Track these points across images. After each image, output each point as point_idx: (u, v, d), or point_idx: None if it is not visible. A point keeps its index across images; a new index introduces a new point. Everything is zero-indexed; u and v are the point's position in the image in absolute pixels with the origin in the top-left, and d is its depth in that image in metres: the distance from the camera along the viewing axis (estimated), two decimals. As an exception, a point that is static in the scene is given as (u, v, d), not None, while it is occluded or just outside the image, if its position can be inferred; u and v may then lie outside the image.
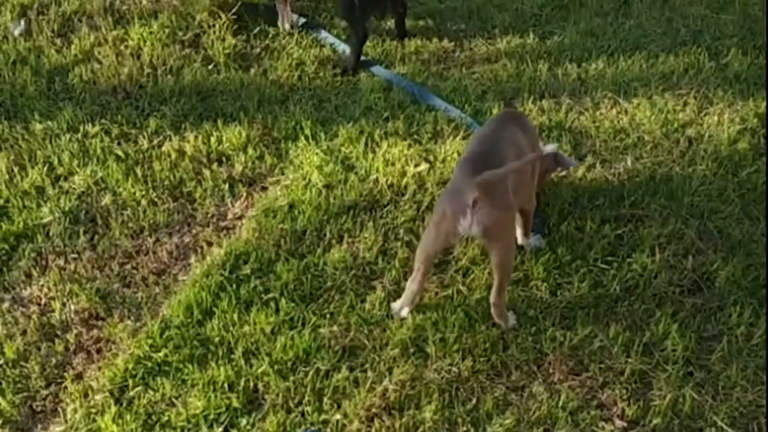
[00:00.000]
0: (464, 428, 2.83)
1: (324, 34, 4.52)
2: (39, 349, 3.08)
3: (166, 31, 4.46)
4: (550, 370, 3.01)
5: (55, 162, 3.77)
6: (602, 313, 3.18)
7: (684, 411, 2.88)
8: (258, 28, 4.52)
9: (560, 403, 2.89)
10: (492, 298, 3.07)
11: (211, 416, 2.84)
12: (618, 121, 4.00)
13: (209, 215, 3.61)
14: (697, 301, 3.23)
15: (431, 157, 3.77)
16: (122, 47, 4.40)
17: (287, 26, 4.54)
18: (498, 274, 3.02)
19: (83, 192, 3.66)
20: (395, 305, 3.16)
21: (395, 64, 4.34)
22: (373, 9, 4.35)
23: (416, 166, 3.72)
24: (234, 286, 3.24)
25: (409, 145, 3.85)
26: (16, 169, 3.72)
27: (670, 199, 3.60)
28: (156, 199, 3.64)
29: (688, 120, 4.00)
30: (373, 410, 2.85)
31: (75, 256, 3.41)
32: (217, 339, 3.08)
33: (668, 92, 4.16)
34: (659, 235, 3.44)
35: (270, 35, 4.51)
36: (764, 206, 3.57)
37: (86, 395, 2.94)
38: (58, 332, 3.15)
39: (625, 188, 3.64)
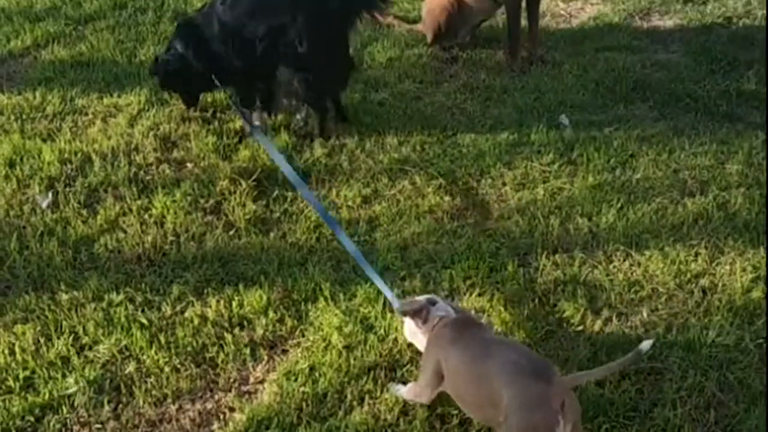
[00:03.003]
0: None
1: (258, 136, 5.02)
2: None
3: (189, 198, 4.62)
4: None
5: (80, 331, 3.85)
6: (627, 470, 3.16)
7: None
8: (276, 193, 4.68)
9: None
10: None
11: None
12: (631, 274, 4.07)
13: (231, 380, 3.65)
14: (723, 455, 3.22)
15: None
16: (146, 216, 4.55)
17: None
18: None
19: (108, 361, 3.71)
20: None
21: (410, 223, 4.45)
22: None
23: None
24: (257, 453, 3.25)
25: (427, 304, 3.92)
26: (42, 340, 3.80)
27: (688, 351, 3.62)
28: (179, 366, 3.69)
29: (700, 270, 4.07)
30: None
31: (99, 426, 3.44)
32: None
33: (679, 243, 4.24)
34: (679, 389, 3.44)
35: (288, 199, 4.66)
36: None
37: None
38: (82, 505, 3.15)
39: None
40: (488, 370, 3.04)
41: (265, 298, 3.98)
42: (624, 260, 4.15)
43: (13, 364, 3.69)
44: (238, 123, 5.28)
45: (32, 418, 3.46)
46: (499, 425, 2.96)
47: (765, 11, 6.44)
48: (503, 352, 3.10)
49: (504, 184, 4.75)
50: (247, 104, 5.26)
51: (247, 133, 5.17)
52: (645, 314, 3.83)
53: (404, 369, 3.59)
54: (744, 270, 4.04)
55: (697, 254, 4.16)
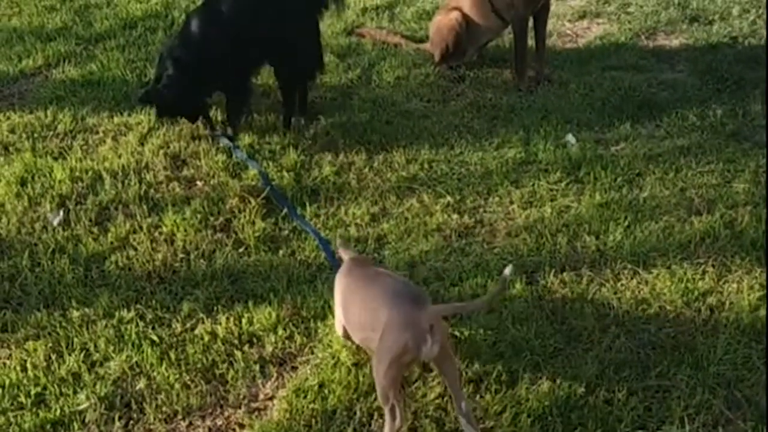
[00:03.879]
0: None
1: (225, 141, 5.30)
2: None
3: (198, 216, 4.66)
4: None
5: (92, 348, 3.88)
6: (636, 487, 3.17)
7: None
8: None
9: None
10: (462, 409, 3.29)
11: None
12: (639, 292, 4.09)
13: (241, 397, 3.67)
14: (731, 472, 3.23)
15: (457, 333, 3.85)
16: (156, 233, 4.59)
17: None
18: (455, 384, 3.32)
19: (118, 377, 3.74)
20: None
21: (418, 240, 4.48)
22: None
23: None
24: (267, 469, 3.27)
25: (435, 321, 3.94)
26: (53, 356, 3.83)
27: (696, 369, 3.63)
28: (189, 382, 3.71)
29: (708, 288, 4.08)
30: None
31: (110, 442, 3.47)
32: None
33: (686, 261, 4.26)
34: (687, 406, 3.45)
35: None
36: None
37: None
38: None
39: (651, 359, 3.69)
40: (372, 294, 3.49)
41: (274, 315, 4.01)
42: (631, 278, 4.17)
43: (25, 381, 3.72)
44: (246, 140, 5.32)
45: (43, 435, 3.49)
46: (376, 347, 3.32)
47: (765, 31, 6.48)
48: (386, 281, 3.53)
49: (511, 202, 4.77)
50: (241, 112, 5.48)
51: (213, 136, 5.41)
52: (653, 332, 3.84)
53: (413, 386, 3.61)
54: (751, 288, 4.06)
55: (704, 272, 4.18)
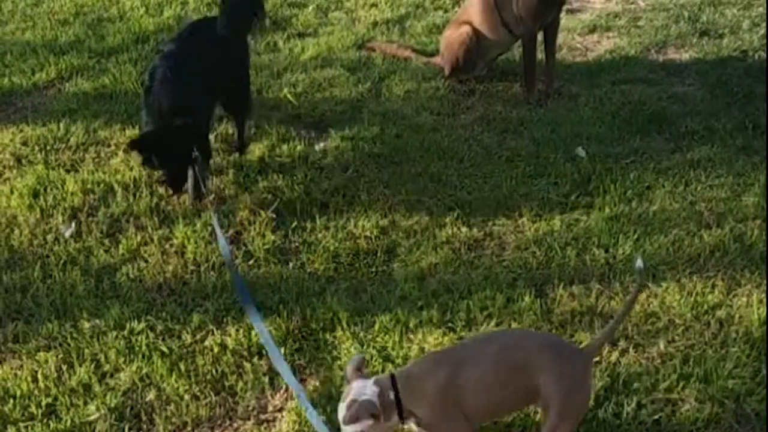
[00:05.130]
0: None
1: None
2: None
3: (209, 229, 4.68)
4: None
5: (102, 359, 3.90)
6: (644, 501, 3.17)
7: None
8: (295, 224, 4.73)
9: None
10: None
11: None
12: (648, 305, 4.09)
13: (250, 408, 3.68)
14: (740, 487, 3.22)
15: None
16: (167, 246, 4.62)
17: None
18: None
19: (129, 388, 3.76)
20: None
21: (428, 253, 4.49)
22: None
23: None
24: (275, 480, 3.28)
25: (444, 333, 3.95)
26: (64, 367, 3.86)
27: (705, 383, 3.63)
28: (198, 394, 3.73)
29: (717, 302, 4.08)
30: None
31: (120, 453, 3.49)
32: None
33: (696, 275, 4.25)
34: (696, 420, 3.45)
35: (307, 230, 4.71)
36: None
37: None
38: None
39: (660, 372, 3.69)
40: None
41: (284, 327, 4.03)
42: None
43: (36, 391, 3.74)
44: (257, 153, 5.35)
45: (54, 445, 3.51)
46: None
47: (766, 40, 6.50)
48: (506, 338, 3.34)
49: (521, 215, 4.78)
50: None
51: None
52: (662, 345, 3.84)
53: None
54: (761, 302, 4.05)
55: (713, 286, 4.18)
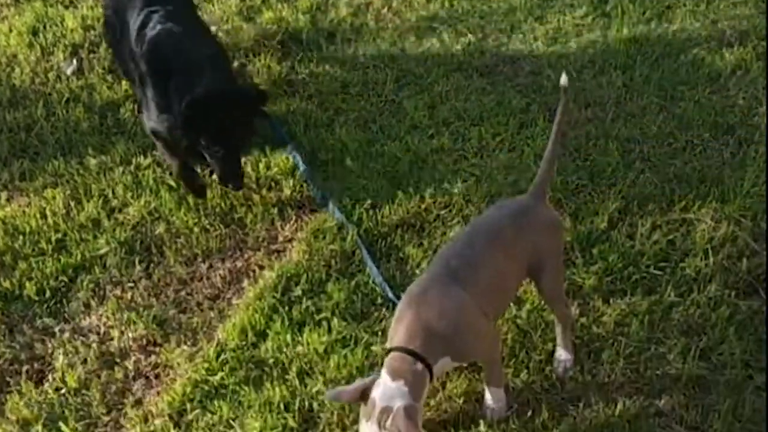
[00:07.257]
0: (520, 440, 2.82)
1: None
2: (99, 377, 3.17)
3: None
4: (606, 380, 2.98)
5: (110, 195, 3.86)
6: (657, 319, 3.15)
7: (745, 415, 2.83)
8: (301, 54, 4.58)
9: (617, 412, 2.87)
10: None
11: (268, 437, 2.88)
12: (665, 126, 3.96)
13: (260, 239, 3.66)
14: (754, 303, 3.18)
15: (477, 172, 3.78)
16: (171, 80, 4.49)
17: None
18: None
19: (138, 222, 3.74)
20: None
21: (438, 80, 4.35)
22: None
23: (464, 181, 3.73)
24: (286, 307, 3.29)
25: (455, 161, 3.87)
26: (72, 204, 3.83)
27: (721, 202, 3.55)
28: (208, 226, 3.70)
29: (737, 121, 3.95)
30: (429, 426, 2.85)
31: (131, 285, 3.49)
32: (271, 360, 3.12)
33: (716, 95, 4.11)
34: (712, 239, 3.40)
35: (314, 60, 4.56)
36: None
37: (146, 420, 3.01)
38: (118, 360, 3.23)
39: (676, 193, 3.61)
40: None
41: (292, 159, 3.95)
42: (658, 113, 4.04)
43: (45, 227, 3.73)
44: None
45: (66, 278, 3.51)
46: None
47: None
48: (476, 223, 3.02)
49: (535, 38, 4.59)
50: None
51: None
52: (678, 166, 3.74)
53: (431, 226, 3.57)
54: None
55: (734, 105, 4.04)
